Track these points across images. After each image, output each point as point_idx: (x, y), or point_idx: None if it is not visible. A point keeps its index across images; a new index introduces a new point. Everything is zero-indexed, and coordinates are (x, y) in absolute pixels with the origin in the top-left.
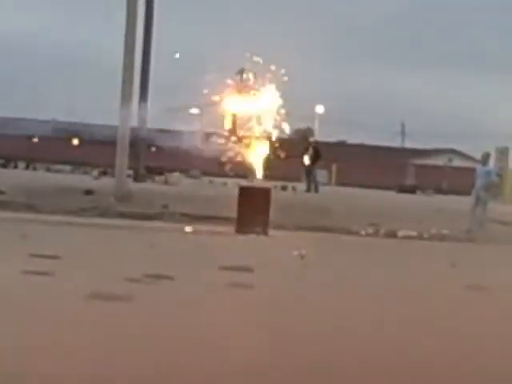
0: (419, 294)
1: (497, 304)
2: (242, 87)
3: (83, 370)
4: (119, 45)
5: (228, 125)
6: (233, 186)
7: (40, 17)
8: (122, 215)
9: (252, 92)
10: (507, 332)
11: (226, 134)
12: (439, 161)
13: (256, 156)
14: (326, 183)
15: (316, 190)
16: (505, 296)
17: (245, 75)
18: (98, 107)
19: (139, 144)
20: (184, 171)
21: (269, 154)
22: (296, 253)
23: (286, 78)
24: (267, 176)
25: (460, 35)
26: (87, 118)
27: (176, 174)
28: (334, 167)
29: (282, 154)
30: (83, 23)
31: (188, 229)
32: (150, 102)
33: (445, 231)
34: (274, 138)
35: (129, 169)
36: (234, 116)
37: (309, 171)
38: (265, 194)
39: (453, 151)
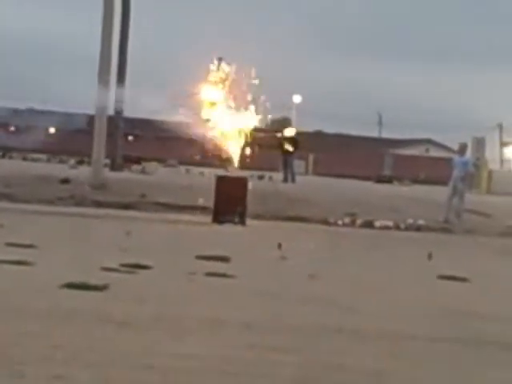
0: (395, 285)
1: (470, 292)
2: (221, 77)
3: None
4: (96, 34)
5: (206, 115)
6: (210, 175)
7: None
8: (99, 204)
9: (229, 82)
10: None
11: (204, 123)
12: (416, 151)
13: (233, 146)
14: (303, 173)
15: (293, 180)
16: (480, 286)
17: (223, 64)
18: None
19: (116, 133)
20: (161, 160)
21: (246, 144)
22: (273, 243)
23: (263, 68)
24: (244, 166)
25: (436, 27)
26: (64, 107)
27: (153, 164)
28: (310, 157)
29: (261, 144)
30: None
31: (165, 218)
32: (127, 90)
33: (421, 221)
34: (251, 128)
35: (106, 158)
36: (213, 105)
37: (286, 161)
38: (241, 183)
39: (430, 141)
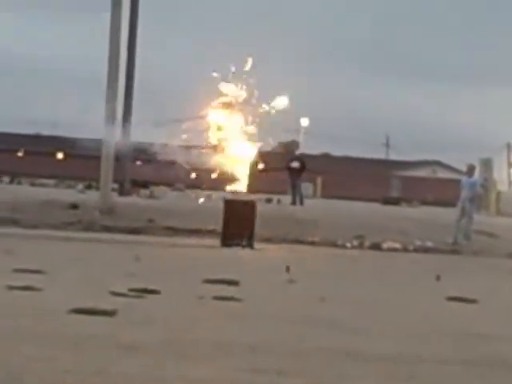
0: (403, 307)
1: (479, 313)
2: (228, 101)
3: None
4: (103, 58)
5: (213, 138)
6: (218, 198)
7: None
8: (107, 229)
9: (237, 106)
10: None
11: (212, 147)
12: (424, 172)
13: (241, 169)
14: (311, 196)
15: (301, 203)
16: (489, 307)
17: (231, 87)
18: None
19: (124, 158)
20: (169, 185)
21: (254, 167)
22: (282, 266)
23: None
24: (252, 189)
25: (444, 47)
26: (72, 132)
27: (161, 188)
28: (318, 180)
29: (267, 167)
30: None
31: (173, 242)
32: (134, 115)
33: (429, 243)
34: (259, 151)
35: (114, 182)
36: (220, 129)
37: (294, 184)
38: (250, 206)
39: (437, 163)
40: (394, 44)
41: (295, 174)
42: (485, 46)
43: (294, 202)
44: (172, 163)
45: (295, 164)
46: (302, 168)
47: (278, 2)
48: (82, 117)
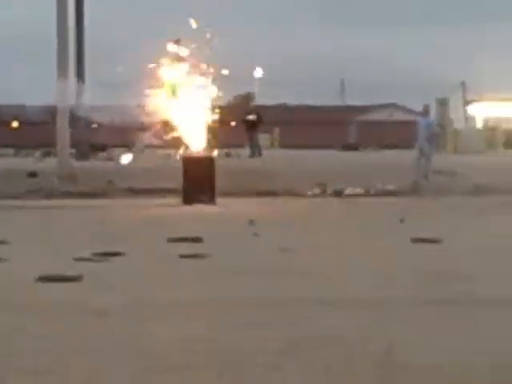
0: (369, 251)
1: (446, 254)
2: (179, 57)
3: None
4: (52, 20)
5: (167, 95)
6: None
7: None
8: (68, 195)
9: (189, 61)
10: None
11: (166, 104)
12: (380, 116)
13: (198, 124)
14: (268, 147)
15: (259, 154)
16: (454, 246)
17: (181, 44)
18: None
19: (79, 122)
20: (126, 145)
21: (211, 122)
22: (245, 220)
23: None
24: (211, 144)
25: None
26: (25, 100)
27: (118, 150)
28: (276, 130)
29: (224, 121)
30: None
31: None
32: (86, 76)
33: (390, 186)
34: (214, 105)
35: (71, 147)
36: (173, 86)
37: (251, 136)
38: (209, 162)
39: (393, 105)
40: None
41: (252, 126)
42: None
43: (252, 155)
44: (127, 124)
45: (251, 117)
46: (259, 120)
47: None
48: (33, 83)
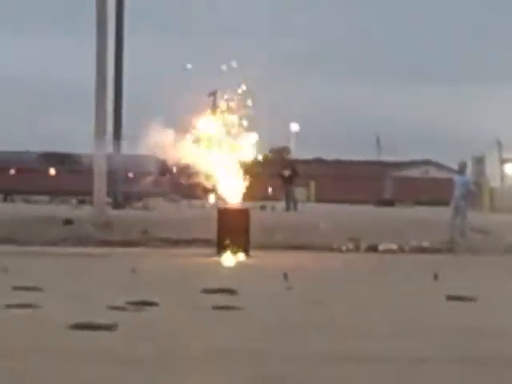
0: (402, 307)
1: (480, 313)
2: (216, 109)
3: None
4: (91, 72)
5: (205, 147)
6: (212, 208)
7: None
8: (103, 243)
9: (226, 114)
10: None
11: (203, 156)
12: (416, 172)
13: (234, 177)
14: (304, 200)
15: (295, 208)
16: (488, 305)
17: (218, 97)
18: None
19: (116, 170)
20: (163, 195)
21: (247, 174)
22: (279, 273)
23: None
24: (246, 196)
25: (431, 49)
26: (63, 148)
27: (155, 199)
28: (312, 184)
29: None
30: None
31: (169, 253)
32: (124, 127)
33: (425, 243)
34: (251, 159)
35: (108, 196)
36: (210, 138)
37: (287, 190)
38: (244, 214)
39: (429, 162)
40: (378, 45)
41: (287, 180)
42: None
43: (287, 208)
44: (163, 174)
45: (287, 172)
46: (294, 174)
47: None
48: (72, 132)
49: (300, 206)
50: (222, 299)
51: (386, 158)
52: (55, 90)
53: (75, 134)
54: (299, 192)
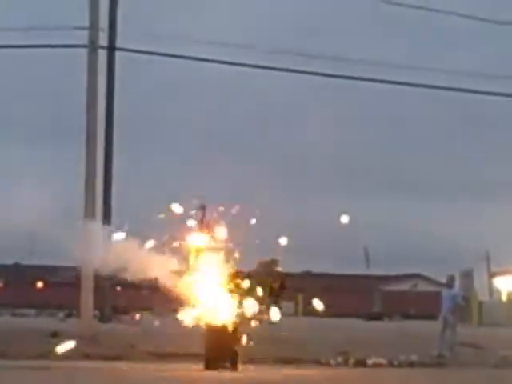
0: None
1: None
2: (204, 224)
3: None
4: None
5: (192, 261)
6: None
7: None
8: (88, 357)
9: (214, 228)
10: None
11: (190, 270)
12: (405, 286)
13: (221, 291)
14: (292, 314)
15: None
16: None
17: (206, 211)
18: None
19: (103, 284)
20: (151, 309)
21: (234, 289)
22: None
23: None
24: (233, 311)
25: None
26: (49, 260)
27: (141, 313)
28: (300, 298)
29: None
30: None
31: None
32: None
33: (414, 357)
34: (238, 272)
35: (94, 309)
36: (198, 252)
37: (275, 303)
38: (231, 329)
39: (418, 276)
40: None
41: (275, 293)
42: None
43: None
44: (153, 288)
45: (275, 284)
46: (282, 287)
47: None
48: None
49: (288, 319)
50: None
51: (375, 270)
52: None
53: None
54: (287, 306)
